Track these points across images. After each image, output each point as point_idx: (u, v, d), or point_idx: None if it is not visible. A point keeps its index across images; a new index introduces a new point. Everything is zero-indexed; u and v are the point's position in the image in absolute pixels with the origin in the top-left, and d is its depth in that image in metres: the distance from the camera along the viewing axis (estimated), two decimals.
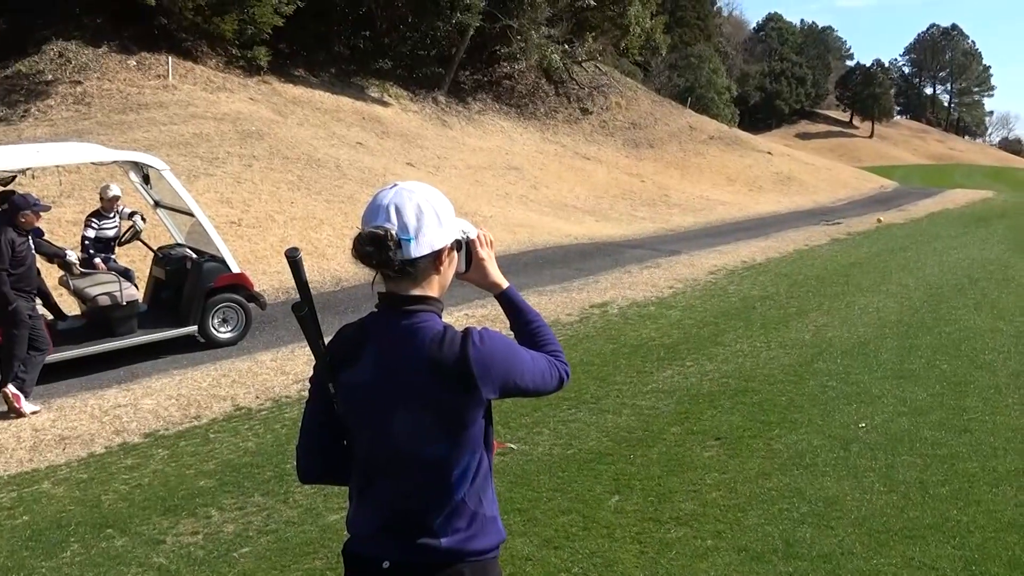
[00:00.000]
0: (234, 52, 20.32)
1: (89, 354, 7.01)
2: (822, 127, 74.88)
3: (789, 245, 14.61)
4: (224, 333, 7.78)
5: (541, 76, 29.91)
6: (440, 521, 1.71)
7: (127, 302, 7.22)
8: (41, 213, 6.35)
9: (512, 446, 5.03)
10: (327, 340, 1.78)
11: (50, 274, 7.75)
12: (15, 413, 6.00)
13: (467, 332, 1.69)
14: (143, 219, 8.09)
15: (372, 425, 1.73)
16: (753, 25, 79.34)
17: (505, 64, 28.81)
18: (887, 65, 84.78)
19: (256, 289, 8.12)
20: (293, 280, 1.74)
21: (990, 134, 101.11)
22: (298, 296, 1.76)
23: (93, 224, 7.86)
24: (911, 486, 4.33)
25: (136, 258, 9.34)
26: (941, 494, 4.22)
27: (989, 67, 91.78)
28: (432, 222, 1.69)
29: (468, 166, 20.93)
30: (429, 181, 2.09)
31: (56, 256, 7.28)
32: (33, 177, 9.08)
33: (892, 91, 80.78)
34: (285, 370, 7.01)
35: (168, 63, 18.60)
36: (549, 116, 29.01)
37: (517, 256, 13.24)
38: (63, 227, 10.23)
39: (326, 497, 4.33)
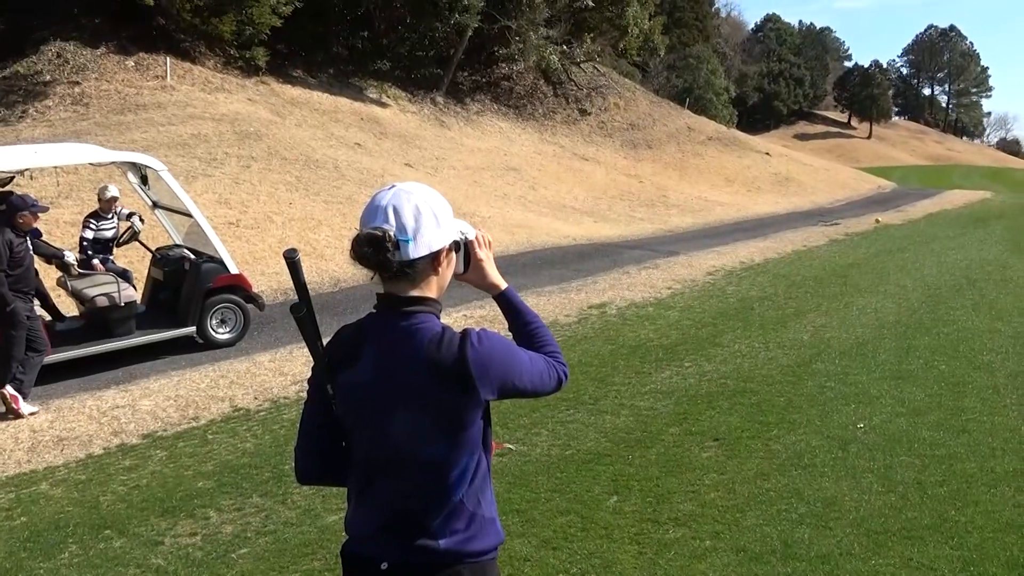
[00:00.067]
0: (232, 53, 20.30)
1: (87, 355, 7.00)
2: (820, 128, 74.99)
3: (787, 246, 14.63)
4: (222, 334, 7.78)
5: (539, 77, 29.93)
6: (439, 522, 1.71)
7: (125, 303, 7.21)
8: (39, 214, 6.34)
9: (510, 447, 5.03)
10: (325, 341, 1.78)
11: (48, 275, 7.75)
12: (13, 414, 6.00)
13: (465, 333, 1.69)
14: (141, 220, 8.09)
15: (371, 426, 1.73)
16: (751, 26, 79.50)
17: (503, 65, 28.81)
18: (885, 66, 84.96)
19: (254, 290, 8.10)
20: (291, 281, 1.74)
21: (988, 135, 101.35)
22: (296, 297, 1.75)
23: (91, 225, 7.86)
24: (909, 487, 4.33)
25: (134, 259, 9.33)
26: (939, 494, 4.22)
27: (987, 68, 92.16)
28: (430, 223, 1.69)
29: (466, 167, 20.93)
30: (427, 182, 2.09)
31: (54, 257, 7.28)
32: (31, 178, 9.09)
33: (890, 92, 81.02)
34: (283, 371, 7.01)
35: (166, 64, 18.59)
36: (547, 117, 29.02)
37: (515, 257, 13.24)
38: (61, 228, 10.22)
39: (324, 498, 4.33)
